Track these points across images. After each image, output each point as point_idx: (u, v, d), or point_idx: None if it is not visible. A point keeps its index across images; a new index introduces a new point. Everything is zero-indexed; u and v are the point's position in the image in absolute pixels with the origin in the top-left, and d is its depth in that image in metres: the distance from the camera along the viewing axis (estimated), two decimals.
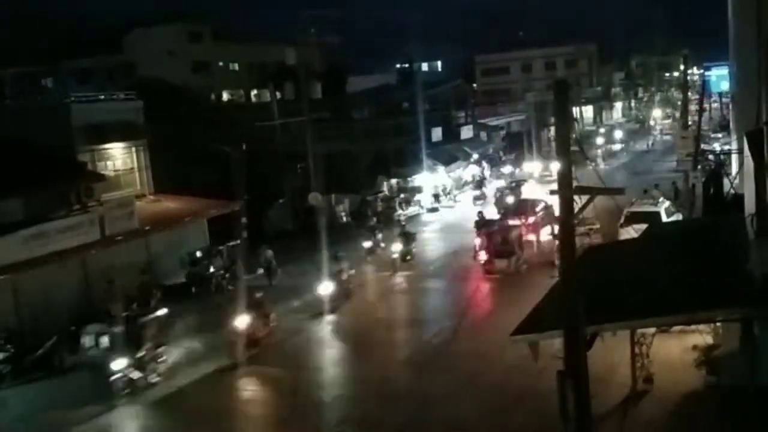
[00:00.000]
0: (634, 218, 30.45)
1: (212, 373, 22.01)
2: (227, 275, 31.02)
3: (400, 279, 31.64)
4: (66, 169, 29.37)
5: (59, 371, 22.33)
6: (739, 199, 18.23)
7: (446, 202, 48.30)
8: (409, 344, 23.97)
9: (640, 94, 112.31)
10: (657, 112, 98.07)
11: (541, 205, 35.22)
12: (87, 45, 59.59)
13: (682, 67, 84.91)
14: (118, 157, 32.94)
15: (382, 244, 35.12)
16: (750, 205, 14.10)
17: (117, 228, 27.80)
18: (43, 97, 41.82)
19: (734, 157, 23.33)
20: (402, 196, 47.29)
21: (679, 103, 73.70)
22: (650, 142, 76.75)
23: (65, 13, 62.37)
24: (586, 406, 12.23)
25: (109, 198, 29.56)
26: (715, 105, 76.27)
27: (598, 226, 31.54)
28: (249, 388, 21.45)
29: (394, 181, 49.70)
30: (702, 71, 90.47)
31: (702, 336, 19.23)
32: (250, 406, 20.67)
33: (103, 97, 35.93)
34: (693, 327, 19.22)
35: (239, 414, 19.93)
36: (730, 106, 29.72)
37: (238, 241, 32.89)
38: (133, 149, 33.33)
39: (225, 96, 63.34)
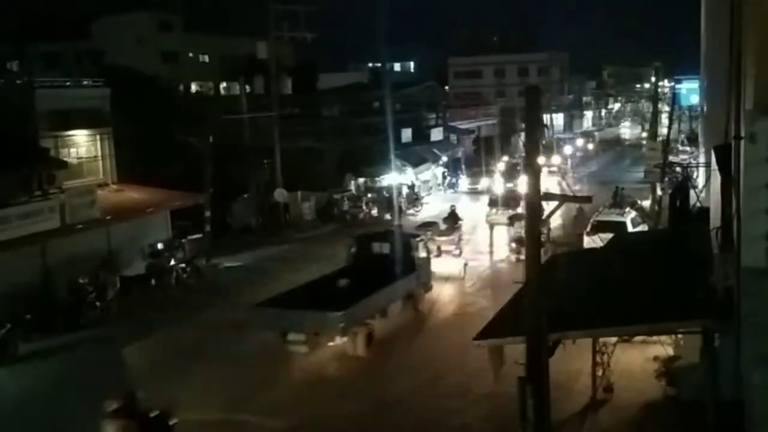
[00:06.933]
0: (600, 227, 30.63)
1: None
2: (188, 268, 30.69)
3: None
4: (28, 154, 28.80)
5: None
6: (704, 212, 18.31)
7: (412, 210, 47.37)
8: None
9: (611, 105, 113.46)
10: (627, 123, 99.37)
11: None
12: (55, 29, 58.61)
13: (653, 79, 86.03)
14: (82, 144, 32.34)
15: None
16: (715, 218, 14.12)
17: (78, 216, 27.34)
18: (7, 80, 40.91)
19: (701, 170, 23.46)
20: (369, 195, 47.05)
21: (649, 114, 74.56)
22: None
23: None
24: (545, 413, 12.16)
25: (70, 186, 29.09)
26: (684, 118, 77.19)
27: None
28: None
29: (361, 180, 49.53)
30: (673, 84, 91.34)
31: (663, 347, 19.28)
32: None
33: (69, 83, 35.31)
34: (655, 338, 19.28)
35: None
36: (699, 120, 29.95)
37: (201, 235, 32.58)
38: (98, 137, 32.73)
39: (194, 87, 62.68)
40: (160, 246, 30.64)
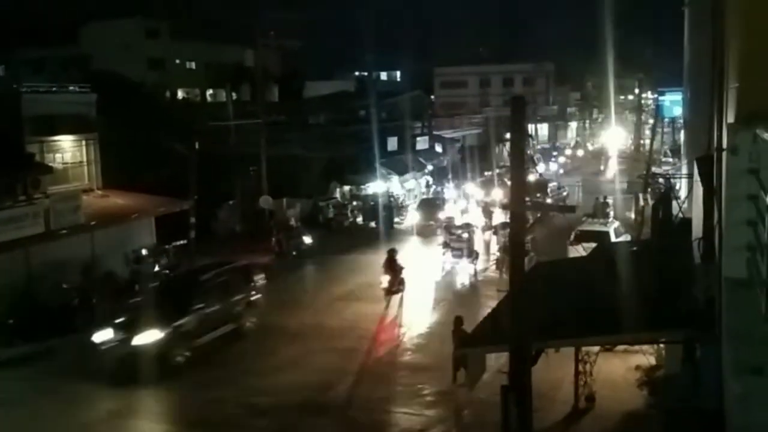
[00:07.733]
0: (583, 237, 30.77)
1: None
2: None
3: None
4: (13, 159, 28.68)
5: None
6: (686, 222, 18.44)
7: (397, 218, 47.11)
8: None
9: (595, 115, 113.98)
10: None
11: None
12: (42, 35, 58.45)
13: (636, 91, 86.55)
14: (67, 149, 32.18)
15: None
16: (697, 229, 14.24)
17: (62, 222, 27.22)
18: None
19: (684, 182, 23.63)
20: (354, 203, 47.11)
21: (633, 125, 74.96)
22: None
23: (21, 1, 60.97)
24: (528, 422, 12.24)
25: (55, 191, 28.98)
26: (667, 130, 77.59)
27: None
28: None
29: (347, 187, 49.59)
30: (656, 96, 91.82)
31: (645, 356, 19.42)
32: None
33: (55, 88, 35.19)
34: (636, 347, 19.40)
35: None
36: (682, 132, 30.16)
37: (186, 241, 32.50)
38: (84, 142, 32.58)
39: (180, 94, 62.60)
40: (144, 252, 30.60)
